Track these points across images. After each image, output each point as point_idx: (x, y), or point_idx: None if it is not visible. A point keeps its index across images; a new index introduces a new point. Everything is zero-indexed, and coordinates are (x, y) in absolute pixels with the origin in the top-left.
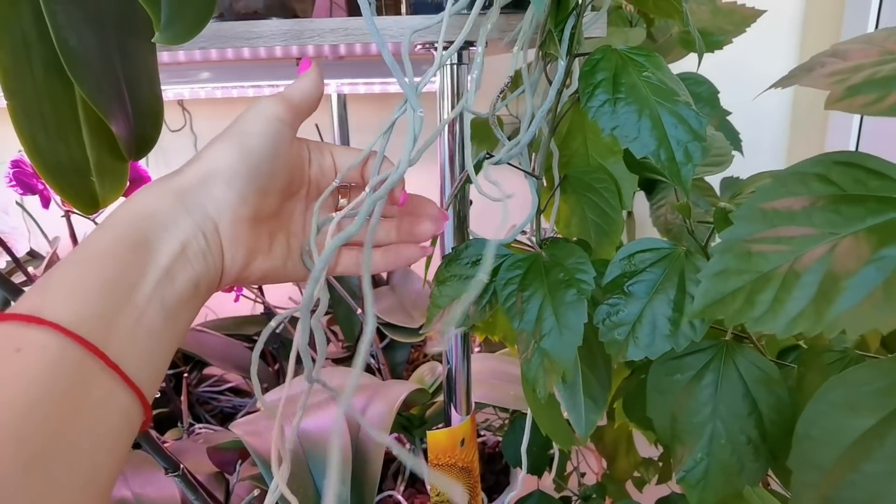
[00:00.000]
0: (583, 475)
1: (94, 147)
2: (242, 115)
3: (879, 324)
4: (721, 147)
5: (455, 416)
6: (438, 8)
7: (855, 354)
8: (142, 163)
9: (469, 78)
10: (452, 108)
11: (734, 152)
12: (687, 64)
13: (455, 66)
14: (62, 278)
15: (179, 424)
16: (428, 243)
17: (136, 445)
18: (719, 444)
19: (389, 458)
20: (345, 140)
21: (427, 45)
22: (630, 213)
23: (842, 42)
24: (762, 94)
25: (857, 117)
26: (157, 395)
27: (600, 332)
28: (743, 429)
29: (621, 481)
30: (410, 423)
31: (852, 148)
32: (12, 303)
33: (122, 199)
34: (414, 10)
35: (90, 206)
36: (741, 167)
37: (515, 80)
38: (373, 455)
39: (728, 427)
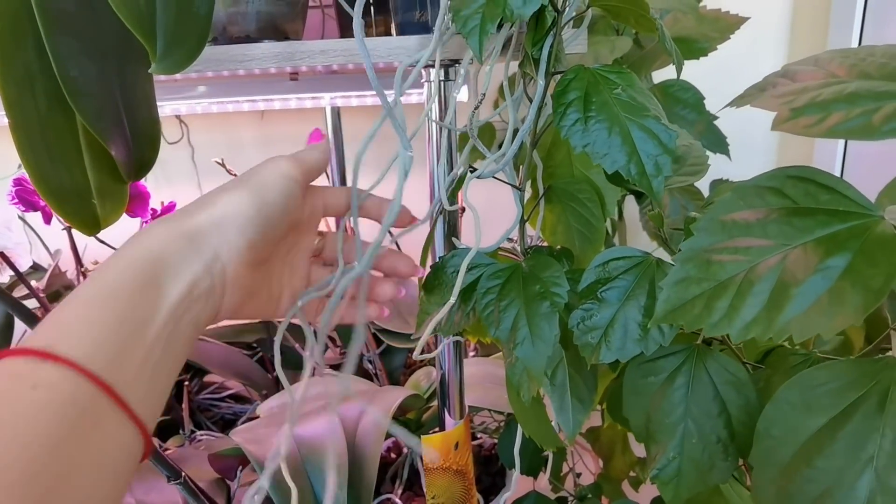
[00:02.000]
0: (579, 475)
1: (95, 171)
2: (259, 168)
3: (824, 329)
4: (698, 156)
5: (449, 420)
6: (424, 28)
7: (817, 357)
8: None
9: (453, 95)
10: (440, 120)
11: (722, 155)
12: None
13: (442, 83)
14: (75, 314)
15: (181, 432)
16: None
17: None
18: (691, 443)
19: (386, 462)
20: (339, 150)
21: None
22: (621, 218)
23: (793, 63)
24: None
25: None
26: None
27: (575, 336)
28: (713, 428)
29: (617, 481)
30: (408, 427)
31: (840, 148)
32: (15, 318)
33: (131, 218)
34: (401, 30)
35: (92, 227)
36: (733, 169)
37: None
38: (369, 459)
39: (699, 427)
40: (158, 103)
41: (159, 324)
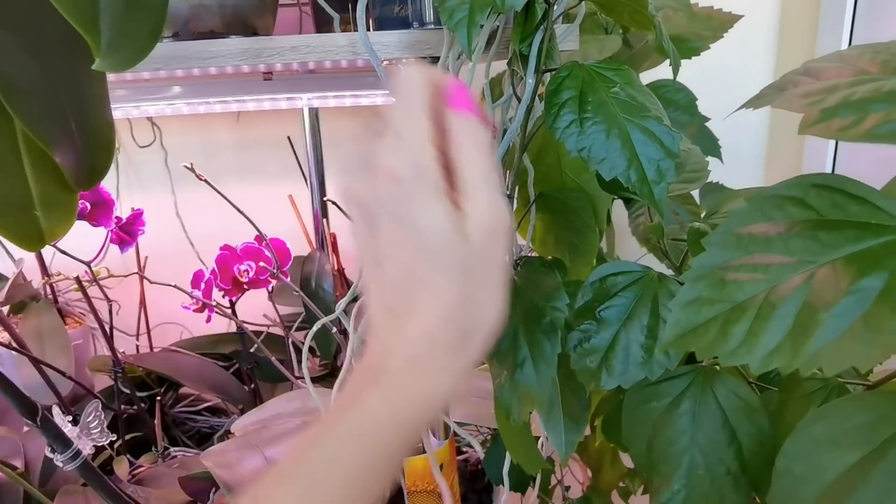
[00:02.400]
0: (567, 489)
1: (38, 179)
2: None
3: (859, 360)
4: (697, 161)
5: (432, 440)
6: (404, 23)
7: (837, 383)
8: (111, 180)
9: None
10: None
11: (713, 159)
12: (664, 71)
13: None
14: None
15: (154, 449)
16: None
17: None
18: (697, 475)
19: None
20: (318, 152)
21: (394, 61)
22: (609, 222)
23: (814, 60)
24: (739, 91)
25: None
26: (132, 419)
27: (572, 360)
28: (722, 459)
29: (607, 493)
30: None
31: (830, 152)
32: None
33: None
34: (379, 25)
35: (34, 241)
36: (721, 172)
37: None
38: None
39: (706, 457)
40: (128, 105)
41: None
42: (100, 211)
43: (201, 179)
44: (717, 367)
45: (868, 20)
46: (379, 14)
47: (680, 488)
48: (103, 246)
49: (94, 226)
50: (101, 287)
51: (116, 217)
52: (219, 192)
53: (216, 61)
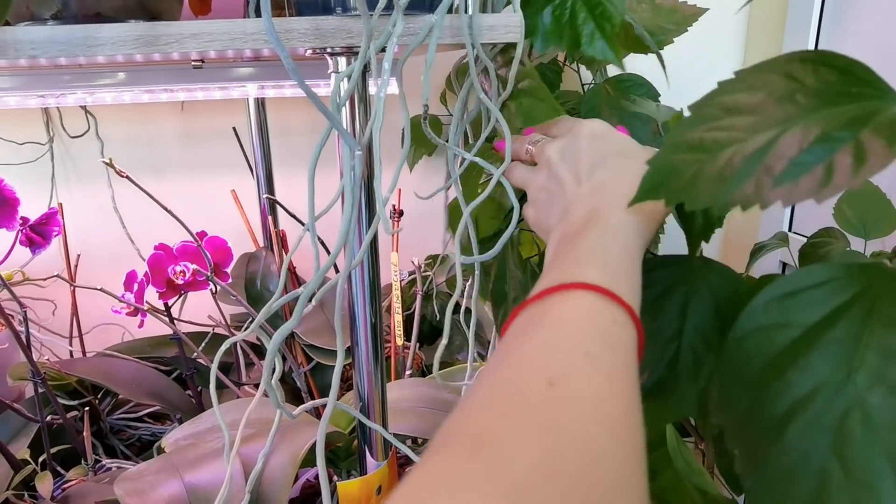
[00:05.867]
0: None
1: None
2: None
3: (814, 196)
4: None
5: (370, 461)
6: (325, 8)
7: None
8: (45, 171)
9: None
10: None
11: None
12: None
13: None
14: (616, 264)
15: (84, 462)
16: None
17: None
18: (686, 363)
19: (313, 492)
20: (265, 144)
21: (319, 51)
22: None
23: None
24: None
25: None
26: (61, 430)
27: None
28: (712, 346)
29: None
30: (337, 457)
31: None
32: None
33: None
34: (298, 10)
35: None
36: None
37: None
38: None
39: (694, 345)
40: (59, 91)
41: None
42: (1, 211)
43: (122, 175)
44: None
45: (836, 14)
46: None
47: (665, 373)
48: (11, 249)
49: None
50: (10, 291)
51: (22, 217)
52: (143, 190)
53: (101, 49)
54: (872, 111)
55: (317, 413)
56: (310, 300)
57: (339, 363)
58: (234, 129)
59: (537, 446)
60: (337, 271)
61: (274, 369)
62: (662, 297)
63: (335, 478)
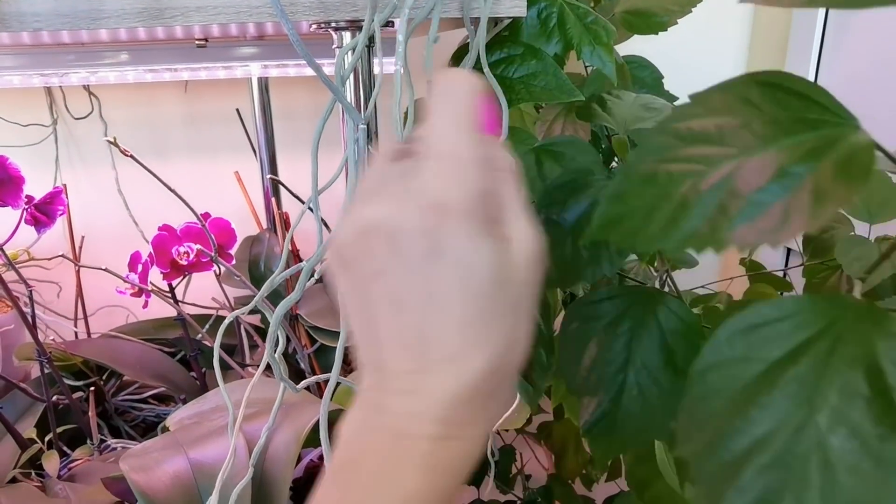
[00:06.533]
0: (528, 477)
1: None
2: None
3: (770, 240)
4: None
5: None
6: None
7: None
8: (49, 153)
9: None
10: (361, 93)
11: None
12: (631, 46)
13: (368, 49)
14: None
15: (89, 442)
16: None
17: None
18: (631, 395)
19: (315, 473)
20: (268, 126)
21: (323, 26)
22: None
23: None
24: (711, 73)
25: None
26: (67, 411)
27: None
28: (657, 380)
29: (570, 479)
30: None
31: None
32: None
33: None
34: None
35: None
36: None
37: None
38: (279, 485)
39: (640, 377)
40: (62, 71)
41: None
42: (7, 189)
43: (126, 155)
44: (660, 290)
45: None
46: None
47: (609, 407)
48: (16, 228)
49: (0, 206)
50: (17, 271)
51: (27, 196)
52: (147, 169)
53: (106, 23)
54: (829, 141)
55: (320, 392)
56: (312, 275)
57: (341, 341)
58: (237, 110)
59: None
60: None
61: (277, 342)
62: (609, 328)
63: None
